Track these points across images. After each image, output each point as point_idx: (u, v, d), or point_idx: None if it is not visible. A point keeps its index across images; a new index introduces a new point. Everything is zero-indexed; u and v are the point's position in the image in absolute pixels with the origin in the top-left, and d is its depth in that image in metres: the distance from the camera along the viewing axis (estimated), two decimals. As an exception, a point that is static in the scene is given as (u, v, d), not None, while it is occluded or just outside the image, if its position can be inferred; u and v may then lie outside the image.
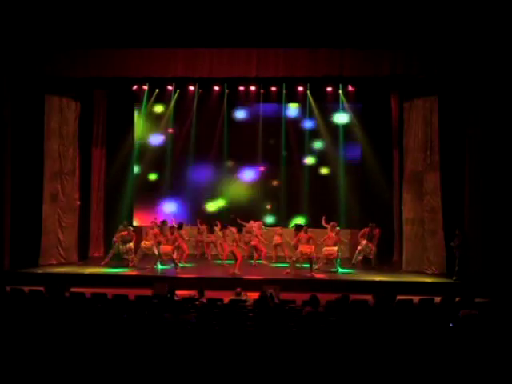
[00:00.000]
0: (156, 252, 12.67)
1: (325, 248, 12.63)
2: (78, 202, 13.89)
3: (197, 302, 8.50)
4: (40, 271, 12.20)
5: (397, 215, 14.24)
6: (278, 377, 4.74)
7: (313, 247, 12.22)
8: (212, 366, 4.95)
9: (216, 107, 15.37)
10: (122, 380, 4.62)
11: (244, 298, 8.89)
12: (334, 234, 12.68)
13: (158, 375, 4.73)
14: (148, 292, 9.32)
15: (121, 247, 13.14)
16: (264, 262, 13.61)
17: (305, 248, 12.11)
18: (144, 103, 15.27)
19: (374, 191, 14.63)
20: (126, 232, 13.27)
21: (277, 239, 13.89)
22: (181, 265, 12.80)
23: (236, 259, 12.21)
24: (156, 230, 12.97)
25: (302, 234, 12.39)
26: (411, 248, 12.85)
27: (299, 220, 14.47)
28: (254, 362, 5.07)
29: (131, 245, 13.20)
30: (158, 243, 12.68)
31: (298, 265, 12.62)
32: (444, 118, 12.31)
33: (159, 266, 12.66)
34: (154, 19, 11.70)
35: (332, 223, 12.96)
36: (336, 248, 12.64)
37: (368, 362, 5.07)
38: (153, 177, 15.87)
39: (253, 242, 13.47)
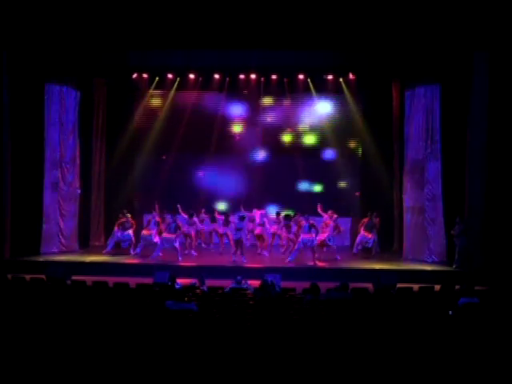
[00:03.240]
0: (157, 240, 12.69)
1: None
2: (79, 191, 13.88)
3: (197, 291, 8.54)
4: (41, 259, 12.23)
5: (397, 204, 14.24)
6: (278, 364, 4.76)
7: (313, 235, 12.22)
8: (213, 353, 4.97)
9: (216, 97, 15.37)
10: (124, 368, 4.65)
11: (245, 286, 8.92)
12: (331, 222, 12.68)
13: (158, 363, 4.75)
14: (149, 280, 9.35)
15: (120, 235, 13.17)
16: (264, 252, 13.61)
17: (306, 236, 12.11)
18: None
19: (375, 180, 14.60)
20: (124, 219, 13.31)
21: (274, 228, 13.91)
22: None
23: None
24: (157, 218, 13.00)
25: (303, 222, 12.35)
26: (412, 236, 12.87)
27: (288, 211, 14.31)
28: (254, 349, 5.09)
29: (130, 232, 13.23)
30: (160, 232, 12.71)
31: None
32: (446, 106, 12.26)
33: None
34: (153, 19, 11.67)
35: (329, 212, 12.96)
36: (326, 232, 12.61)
37: (368, 350, 5.09)
38: (154, 165, 15.85)
39: (257, 231, 13.49)
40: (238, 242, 12.39)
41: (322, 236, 12.52)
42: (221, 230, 13.70)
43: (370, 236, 13.23)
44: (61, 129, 13.33)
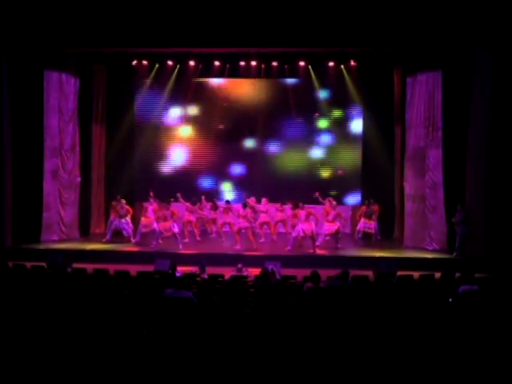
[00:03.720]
0: (155, 227, 12.69)
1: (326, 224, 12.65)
2: (79, 179, 13.85)
3: (198, 278, 8.56)
4: (42, 247, 12.26)
5: (398, 191, 14.22)
6: (279, 352, 4.78)
7: (312, 223, 12.22)
8: (213, 341, 4.99)
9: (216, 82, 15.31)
10: (124, 355, 4.67)
11: (245, 274, 8.95)
12: (332, 210, 12.68)
13: (159, 351, 4.77)
14: (150, 268, 9.37)
15: (117, 223, 13.15)
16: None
17: (304, 225, 12.11)
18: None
19: (376, 167, 14.56)
20: (118, 206, 13.25)
21: (278, 216, 13.89)
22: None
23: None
24: (155, 205, 12.99)
25: (299, 211, 12.35)
26: (412, 224, 12.86)
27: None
28: (254, 337, 5.11)
29: (127, 219, 13.18)
30: (158, 219, 12.72)
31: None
32: (448, 93, 12.17)
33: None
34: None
35: (328, 198, 12.95)
36: (336, 223, 12.61)
37: (368, 337, 5.11)
38: (154, 153, 15.82)
39: (262, 219, 13.54)
40: (241, 231, 12.39)
41: (335, 226, 12.50)
42: (221, 219, 13.72)
43: (371, 222, 13.26)
44: (60, 116, 13.27)
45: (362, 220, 13.38)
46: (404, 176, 13.25)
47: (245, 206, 12.67)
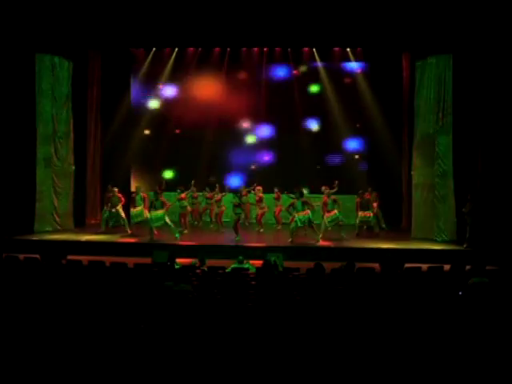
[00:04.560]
0: (147, 216, 12.67)
1: (325, 215, 12.65)
2: (73, 167, 13.83)
3: (198, 271, 8.58)
4: (35, 238, 12.28)
5: (406, 180, 14.20)
6: (281, 347, 4.80)
7: (308, 212, 12.17)
8: (213, 335, 5.01)
9: (216, 68, 15.22)
10: (121, 349, 4.69)
11: (246, 266, 8.96)
12: (327, 198, 12.64)
13: (157, 345, 4.79)
14: (147, 260, 9.39)
15: (110, 213, 13.10)
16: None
17: (301, 215, 12.09)
18: None
19: (382, 155, 14.52)
20: (111, 194, 13.18)
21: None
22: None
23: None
24: (143, 194, 13.00)
25: (294, 200, 12.34)
26: (420, 214, 12.85)
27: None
28: (256, 331, 5.13)
29: (118, 208, 13.08)
30: (148, 208, 12.72)
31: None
32: (458, 78, 12.09)
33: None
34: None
35: (323, 187, 12.93)
36: (334, 212, 12.58)
37: (375, 331, 5.12)
38: (151, 141, 15.80)
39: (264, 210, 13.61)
40: (237, 221, 12.42)
41: (332, 212, 12.50)
42: (216, 208, 13.81)
43: (368, 214, 13.18)
44: (53, 101, 13.24)
45: (359, 214, 13.22)
46: (412, 164, 13.22)
47: (238, 194, 12.69)
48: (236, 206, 12.52)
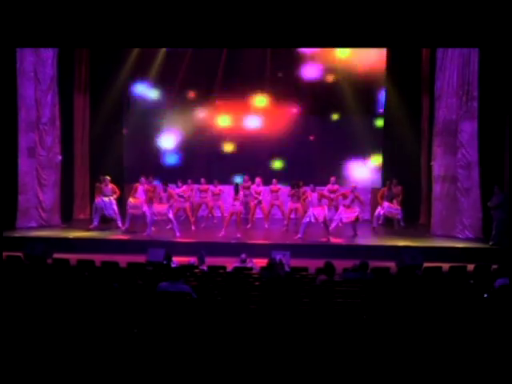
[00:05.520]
0: (145, 210, 12.68)
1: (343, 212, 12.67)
2: (60, 157, 13.83)
3: (196, 270, 8.59)
4: (18, 235, 12.31)
5: (425, 171, 14.17)
6: (286, 353, 4.79)
7: (325, 208, 12.21)
8: (213, 341, 5.01)
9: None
10: (113, 357, 4.70)
11: (250, 265, 8.97)
12: (350, 193, 12.66)
13: (152, 351, 4.80)
14: (141, 259, 9.41)
15: (100, 202, 13.03)
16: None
17: (317, 210, 12.09)
18: None
19: (400, 143, 14.48)
20: (103, 184, 13.10)
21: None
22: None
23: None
24: (146, 185, 12.98)
25: (309, 192, 12.33)
26: (441, 209, 12.82)
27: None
28: (260, 336, 5.12)
29: (112, 199, 13.02)
30: (150, 201, 12.72)
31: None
32: (485, 57, 11.99)
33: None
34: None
35: (332, 178, 13.16)
36: (355, 209, 12.58)
37: (390, 338, 5.11)
38: (145, 128, 15.82)
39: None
40: (233, 215, 12.43)
41: (354, 213, 12.54)
42: (211, 202, 13.89)
43: (396, 207, 13.23)
44: (37, 84, 13.18)
45: (386, 204, 13.29)
46: (432, 153, 13.16)
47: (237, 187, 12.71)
48: (235, 199, 12.52)
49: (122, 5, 10.93)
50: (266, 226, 13.77)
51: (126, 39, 11.57)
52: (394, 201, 13.40)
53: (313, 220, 12.17)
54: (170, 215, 12.52)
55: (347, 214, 12.56)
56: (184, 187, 13.60)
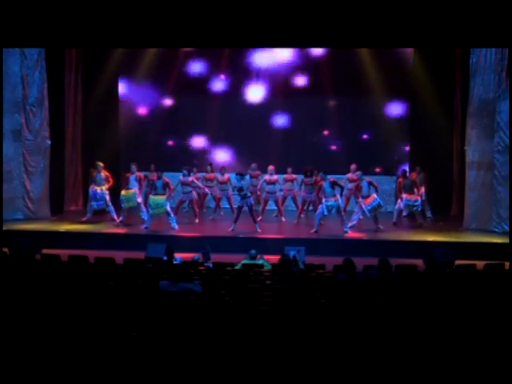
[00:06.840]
0: (140, 201, 12.74)
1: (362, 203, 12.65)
2: (49, 141, 13.89)
3: (201, 268, 8.63)
4: (2, 228, 12.40)
5: (457, 157, 14.12)
6: (301, 360, 4.82)
7: (338, 197, 12.18)
8: (220, 345, 5.05)
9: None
10: (109, 362, 4.75)
11: (260, 262, 9.00)
12: (360, 182, 12.67)
13: (152, 357, 4.84)
14: (140, 255, 9.47)
15: (92, 192, 13.06)
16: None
17: (329, 200, 12.08)
18: None
19: (429, 126, 14.42)
20: (95, 172, 13.15)
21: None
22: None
23: None
24: (140, 174, 13.06)
25: (321, 181, 12.33)
26: (476, 199, 12.79)
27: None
28: (271, 341, 5.16)
29: (104, 189, 13.04)
30: (144, 192, 12.77)
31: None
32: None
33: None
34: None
35: (352, 166, 13.35)
36: (374, 197, 12.54)
37: (417, 342, 5.12)
38: (142, 111, 15.90)
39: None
40: (241, 208, 12.46)
41: (372, 197, 12.55)
42: (218, 193, 14.10)
43: (416, 198, 13.06)
44: (23, 60, 13.24)
45: (405, 195, 13.09)
46: (466, 137, 13.10)
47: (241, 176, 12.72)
48: (239, 190, 12.52)
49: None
50: (283, 219, 13.80)
51: (117, 38, 11.77)
52: (422, 188, 13.31)
53: (326, 212, 12.17)
54: (167, 208, 12.50)
55: (366, 200, 12.53)
56: (191, 177, 13.59)
